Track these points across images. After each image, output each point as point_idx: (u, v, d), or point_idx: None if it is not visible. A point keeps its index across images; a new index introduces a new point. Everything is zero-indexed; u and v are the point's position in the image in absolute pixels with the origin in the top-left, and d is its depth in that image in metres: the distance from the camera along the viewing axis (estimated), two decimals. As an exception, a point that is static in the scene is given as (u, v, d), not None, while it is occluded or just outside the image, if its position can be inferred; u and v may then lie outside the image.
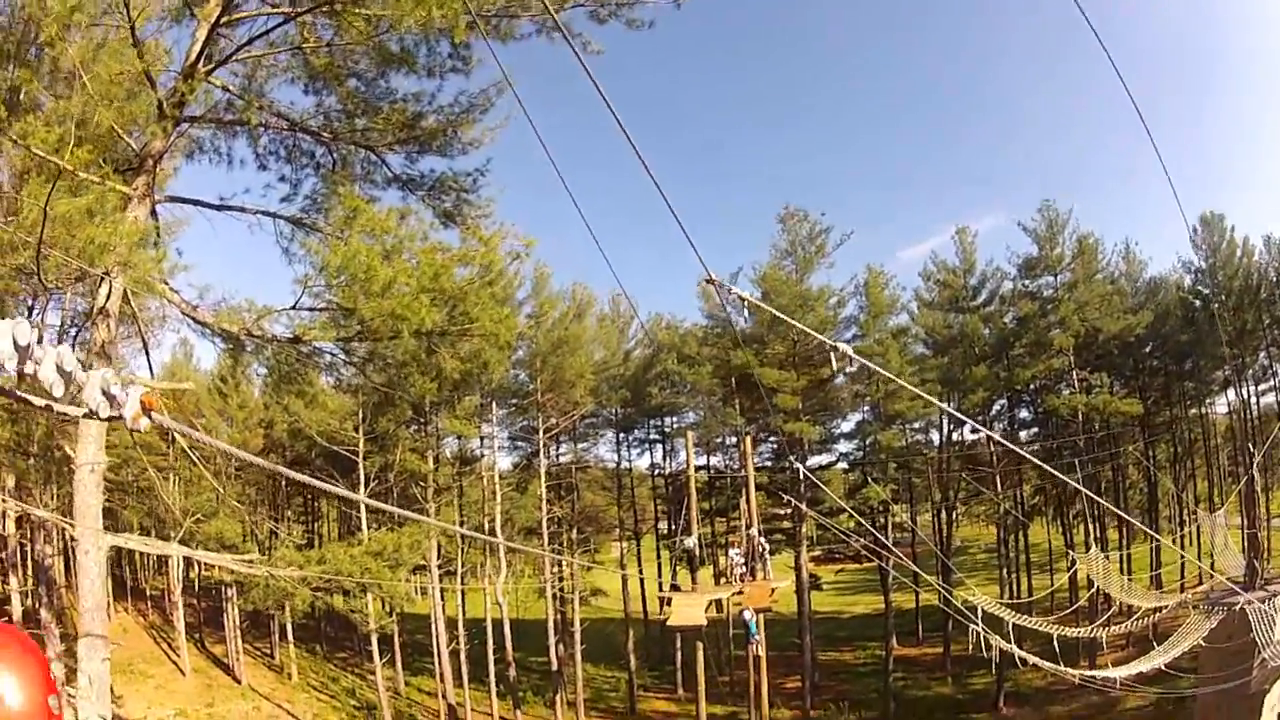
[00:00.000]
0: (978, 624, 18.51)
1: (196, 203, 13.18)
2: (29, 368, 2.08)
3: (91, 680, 9.68)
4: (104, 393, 2.26)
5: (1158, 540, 38.01)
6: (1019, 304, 37.62)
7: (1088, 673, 20.34)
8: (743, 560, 22.62)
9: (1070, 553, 31.28)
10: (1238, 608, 18.76)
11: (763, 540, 22.84)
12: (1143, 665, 19.39)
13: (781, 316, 8.29)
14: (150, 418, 2.42)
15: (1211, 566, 33.79)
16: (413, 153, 13.47)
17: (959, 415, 22.19)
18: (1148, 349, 39.19)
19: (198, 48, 11.11)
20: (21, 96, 10.29)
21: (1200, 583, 29.40)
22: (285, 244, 13.34)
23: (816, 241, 34.63)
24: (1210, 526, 27.82)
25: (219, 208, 12.93)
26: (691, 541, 22.48)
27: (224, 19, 11.36)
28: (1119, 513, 31.16)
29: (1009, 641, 18.61)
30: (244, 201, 13.07)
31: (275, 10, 11.82)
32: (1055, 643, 20.16)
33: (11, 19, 10.85)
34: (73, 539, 10.41)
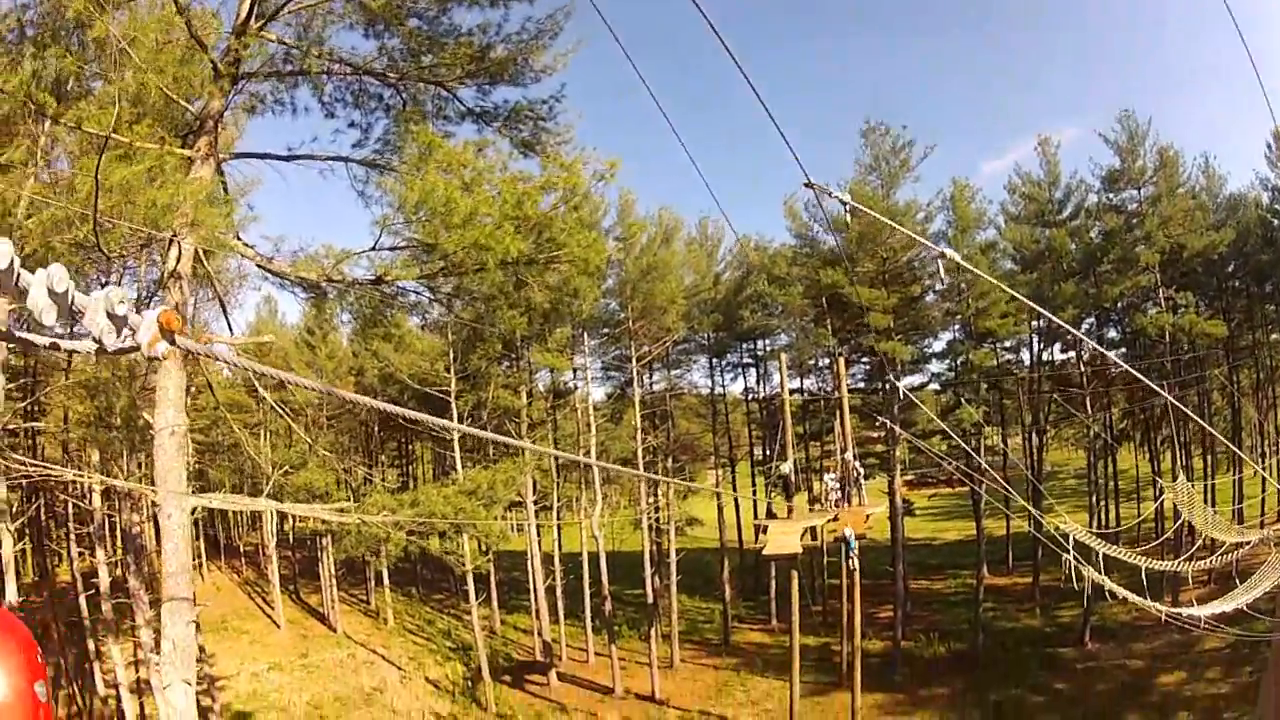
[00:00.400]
0: (1071, 553, 18.26)
1: (265, 156, 13.15)
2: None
3: (176, 645, 9.54)
4: (110, 316, 1.83)
5: (1241, 472, 37.32)
6: (1104, 218, 36.53)
7: (1172, 610, 19.83)
8: (838, 485, 22.52)
9: (1158, 481, 30.62)
10: None
11: (858, 465, 22.70)
12: (1225, 605, 18.74)
13: (885, 221, 8.12)
14: (173, 342, 2.01)
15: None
16: (484, 85, 13.19)
17: (1063, 326, 21.41)
18: (1230, 268, 37.96)
19: (247, 5, 11.03)
20: (70, 84, 10.10)
21: None
22: (360, 187, 13.38)
23: (900, 155, 33.94)
24: None
25: (288, 158, 12.90)
26: (787, 467, 22.38)
27: None
28: (1214, 433, 30.37)
29: (1100, 572, 18.33)
30: (313, 149, 13.04)
31: None
32: (1143, 575, 19.75)
33: (41, 5, 10.65)
34: (156, 505, 10.27)
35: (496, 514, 31.96)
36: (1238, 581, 19.85)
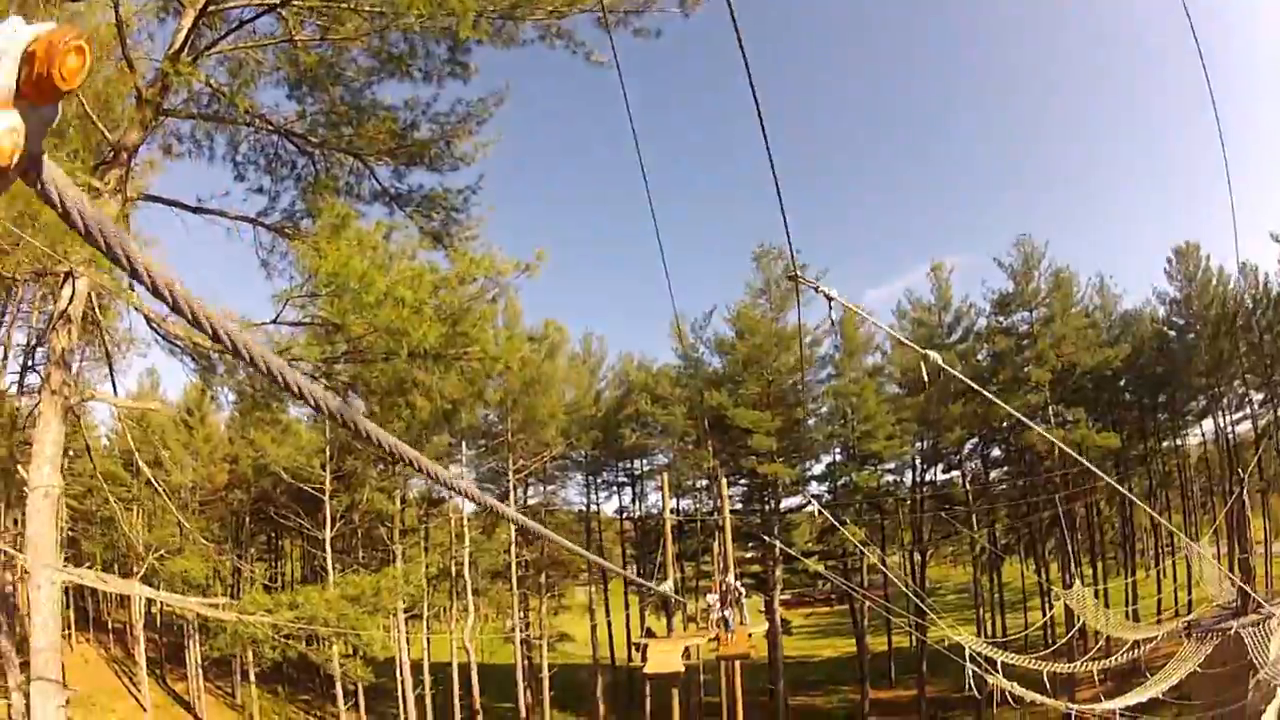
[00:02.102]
0: (968, 663, 18.48)
1: (173, 203, 12.11)
2: None
3: None
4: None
5: (1134, 575, 38.29)
6: (994, 340, 37.56)
7: (1087, 706, 20.41)
8: (719, 605, 22.15)
9: (1051, 589, 30.99)
10: (1231, 632, 18.72)
11: (739, 585, 22.37)
12: (1140, 696, 19.37)
13: (880, 326, 7.80)
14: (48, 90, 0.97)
15: (1189, 595, 34.26)
16: (402, 166, 12.71)
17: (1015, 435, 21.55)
18: (1122, 382, 39.26)
19: (183, 35, 10.29)
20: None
21: (1190, 611, 29.33)
22: (265, 255, 12.61)
23: (791, 280, 34.29)
24: (1195, 555, 27.82)
25: (196, 210, 12.05)
26: (667, 586, 22.01)
27: (211, 6, 10.54)
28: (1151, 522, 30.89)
29: (1003, 680, 18.66)
30: (224, 205, 12.22)
31: (265, 1, 10.95)
32: (1046, 679, 20.11)
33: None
34: (27, 572, 9.38)
35: (379, 623, 30.63)
36: (1148, 675, 20.92)
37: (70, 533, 40.99)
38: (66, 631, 47.07)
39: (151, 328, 11.15)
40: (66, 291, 9.81)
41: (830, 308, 6.26)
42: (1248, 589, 21.53)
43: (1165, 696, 19.16)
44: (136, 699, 39.23)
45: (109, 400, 11.66)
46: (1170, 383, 38.13)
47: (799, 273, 5.90)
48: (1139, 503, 14.37)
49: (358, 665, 32.81)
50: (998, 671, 19.24)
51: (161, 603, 56.41)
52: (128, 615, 49.22)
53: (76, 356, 10.72)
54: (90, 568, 35.29)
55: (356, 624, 20.38)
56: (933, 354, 6.14)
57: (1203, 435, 43.21)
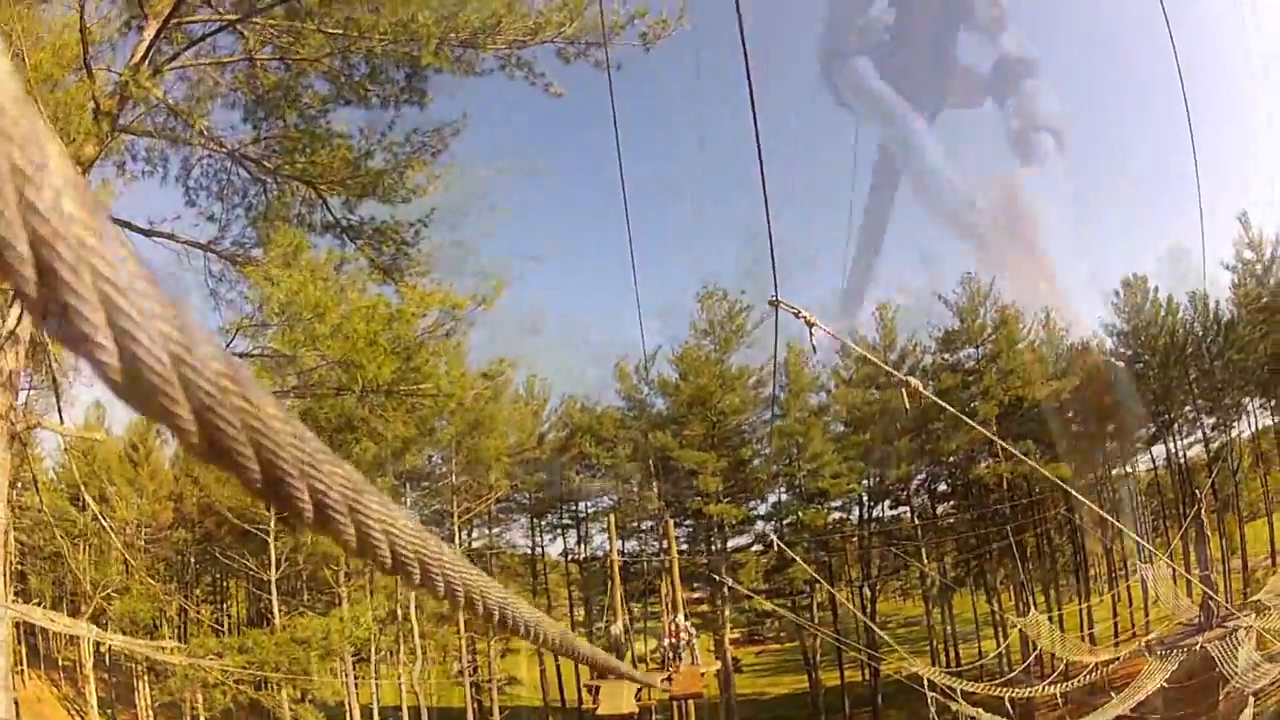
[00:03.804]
0: (930, 692, 18.81)
1: (124, 224, 11.89)
2: None
3: None
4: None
5: (1088, 600, 38.82)
6: (940, 377, 38.00)
7: None
8: (670, 646, 22.22)
9: (1005, 618, 31.22)
10: (1197, 648, 19.42)
11: (689, 626, 22.45)
12: (1108, 714, 19.72)
13: (859, 349, 7.92)
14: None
15: (1145, 617, 34.86)
16: (354, 197, 12.59)
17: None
18: (1071, 414, 39.85)
19: (144, 45, 10.25)
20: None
21: (1148, 631, 29.85)
22: (214, 284, 12.38)
23: (736, 320, 34.72)
24: (1151, 577, 28.51)
25: (148, 233, 11.89)
26: (617, 629, 21.95)
27: (175, 19, 10.49)
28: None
29: (967, 707, 19.01)
30: (175, 229, 12.08)
31: (225, 18, 11.04)
32: (1008, 704, 20.46)
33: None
34: None
35: (329, 666, 30.36)
36: (1113, 695, 21.23)
37: (19, 567, 40.35)
38: (19, 668, 46.17)
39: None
40: (15, 311, 9.49)
41: (810, 334, 6.38)
42: (1214, 600, 22.23)
43: (1130, 713, 19.89)
44: (89, 740, 38.52)
45: (56, 429, 11.40)
46: (1119, 411, 38.68)
47: (779, 299, 6.01)
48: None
49: (308, 711, 32.53)
50: (958, 700, 19.53)
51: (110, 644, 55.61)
52: (77, 654, 48.38)
53: (23, 382, 10.43)
54: (39, 605, 34.76)
55: (307, 667, 19.96)
56: (913, 380, 6.33)
57: (1153, 461, 43.98)
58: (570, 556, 45.39)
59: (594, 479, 38.10)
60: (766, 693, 51.81)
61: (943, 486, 43.64)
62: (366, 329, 10.07)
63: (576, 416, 39.66)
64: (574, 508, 43.42)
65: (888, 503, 42.36)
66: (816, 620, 42.29)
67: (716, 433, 34.43)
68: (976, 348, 38.34)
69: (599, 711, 18.99)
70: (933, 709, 19.87)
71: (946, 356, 39.34)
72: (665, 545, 32.25)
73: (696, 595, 38.99)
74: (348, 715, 34.04)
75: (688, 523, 38.92)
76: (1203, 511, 25.07)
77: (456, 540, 33.76)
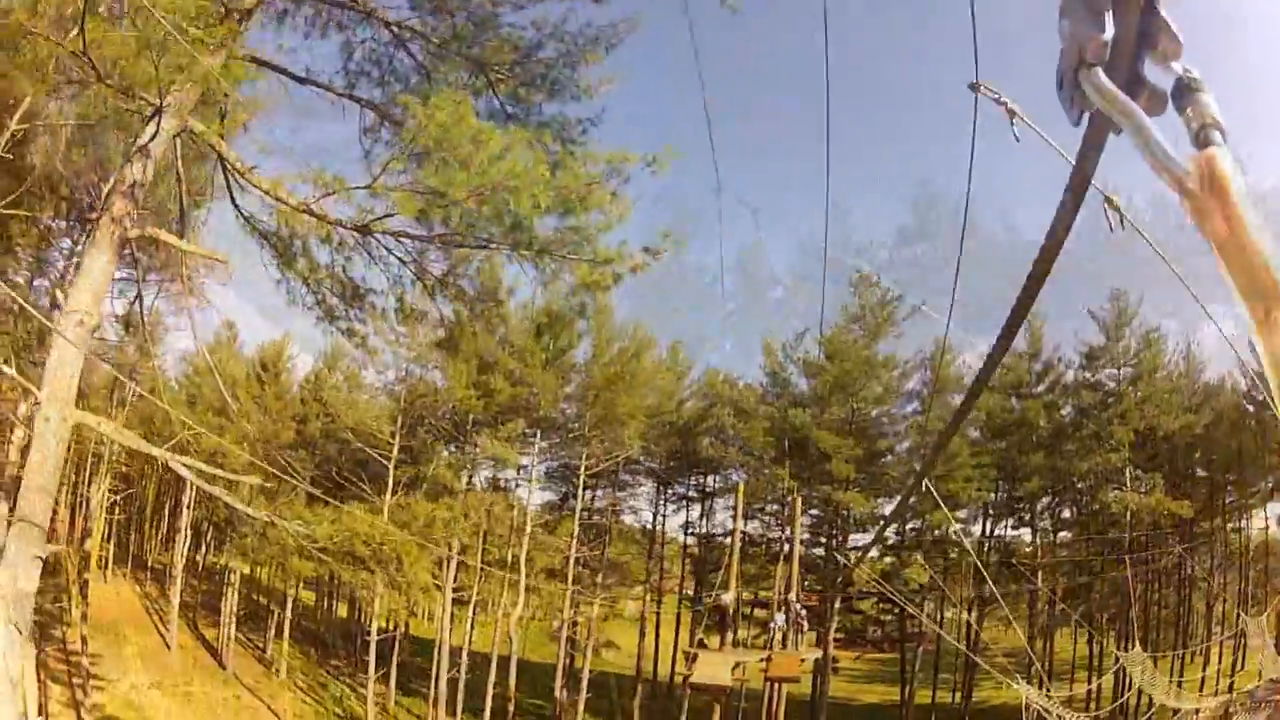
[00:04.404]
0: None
1: (279, 70, 11.21)
2: None
3: (15, 577, 7.85)
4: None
5: (1184, 650, 37.07)
6: (1080, 394, 36.40)
7: None
8: (782, 627, 21.45)
9: (1115, 655, 29.97)
10: None
11: (800, 608, 21.60)
12: None
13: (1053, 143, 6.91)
14: None
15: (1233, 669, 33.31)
16: (520, 87, 11.72)
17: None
18: (1198, 454, 37.88)
19: None
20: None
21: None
22: (369, 144, 11.61)
23: (886, 310, 33.53)
24: (1254, 628, 27.26)
25: (303, 80, 11.27)
26: (729, 597, 21.30)
27: None
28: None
29: None
30: (333, 81, 11.38)
31: None
32: None
33: None
34: (37, 404, 8.39)
35: (426, 563, 29.81)
36: None
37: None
38: (103, 562, 47.64)
39: (235, 173, 10.29)
40: (150, 129, 9.18)
41: (1012, 123, 5.29)
42: None
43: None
44: (162, 636, 39.30)
45: (171, 241, 10.71)
46: (1243, 459, 36.45)
47: (979, 83, 5.03)
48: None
49: (399, 609, 32.01)
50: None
51: (207, 547, 56.91)
52: (170, 556, 49.67)
53: (142, 193, 9.80)
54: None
55: (401, 550, 18.49)
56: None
57: (1266, 518, 41.61)
58: (691, 530, 44.90)
59: (727, 449, 37.28)
60: (856, 699, 50.61)
61: (1067, 514, 41.89)
62: (526, 170, 9.01)
63: (718, 387, 39.05)
64: (701, 481, 42.99)
65: (1011, 521, 40.69)
66: (920, 634, 41.11)
67: (855, 420, 33.34)
68: (1118, 368, 36.46)
69: (692, 679, 18.35)
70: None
71: (1088, 375, 37.51)
72: (788, 531, 31.36)
73: (806, 586, 38.03)
74: (436, 651, 33.91)
75: (812, 511, 37.93)
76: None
77: (580, 496, 33.39)
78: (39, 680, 26.25)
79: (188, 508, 43.45)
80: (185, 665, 36.37)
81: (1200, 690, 33.42)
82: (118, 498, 50.46)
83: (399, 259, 10.92)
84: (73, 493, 49.96)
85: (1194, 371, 39.29)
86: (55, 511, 50.13)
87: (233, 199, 10.90)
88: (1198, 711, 23.79)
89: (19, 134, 14.87)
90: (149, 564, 57.76)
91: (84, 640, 25.80)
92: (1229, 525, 41.77)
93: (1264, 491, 39.36)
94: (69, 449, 9.50)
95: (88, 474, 46.13)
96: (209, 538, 56.22)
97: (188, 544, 44.79)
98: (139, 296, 17.13)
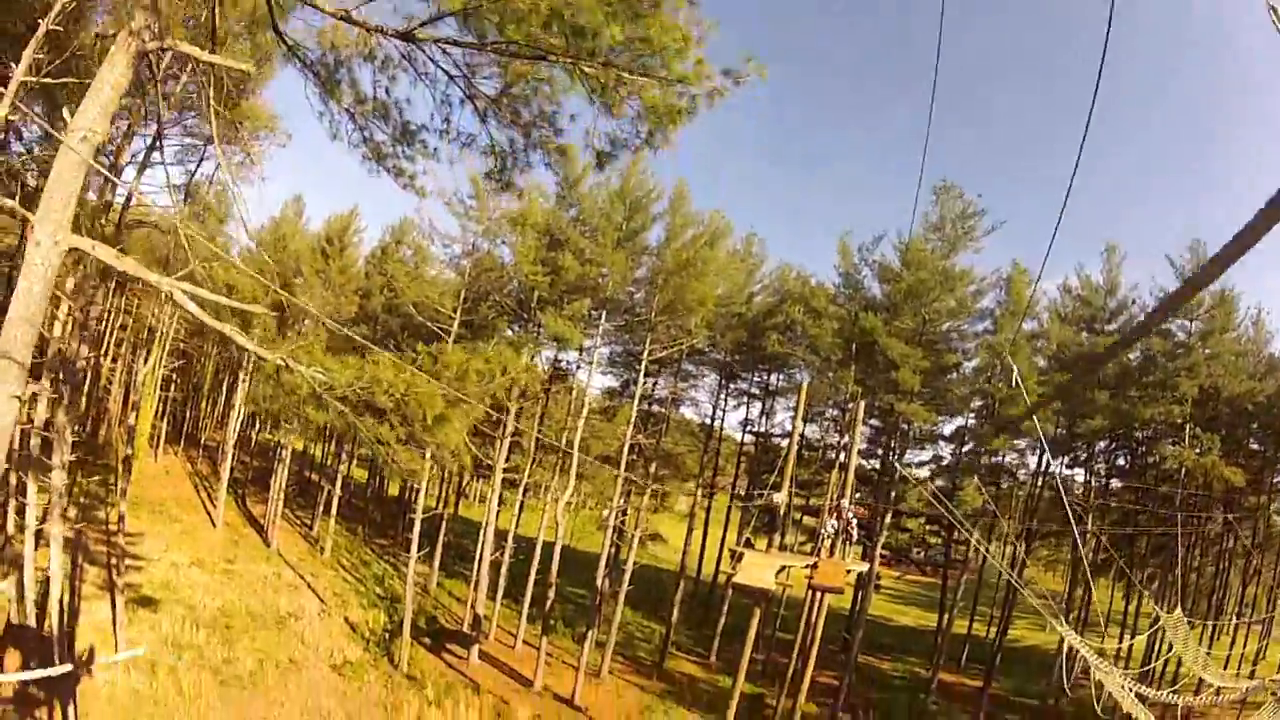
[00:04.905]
0: (1096, 666, 17.39)
1: None
2: None
3: None
4: None
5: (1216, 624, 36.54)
6: (1150, 340, 35.51)
7: None
8: (833, 533, 21.11)
9: (1157, 609, 29.40)
10: None
11: (854, 517, 21.26)
12: None
13: None
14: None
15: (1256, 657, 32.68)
16: None
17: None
18: (1255, 425, 36.99)
19: None
20: None
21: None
22: None
23: (967, 222, 32.61)
24: None
25: None
26: (781, 497, 20.91)
27: None
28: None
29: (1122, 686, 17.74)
30: None
31: None
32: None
33: None
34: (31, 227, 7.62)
35: (460, 423, 29.34)
36: None
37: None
38: (154, 440, 48.66)
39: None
40: None
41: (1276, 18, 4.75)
42: None
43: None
44: (209, 513, 40.04)
45: (192, 52, 10.05)
46: None
47: None
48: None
49: (412, 456, 31.64)
50: (1106, 670, 18.13)
51: (261, 425, 57.77)
52: (223, 435, 50.65)
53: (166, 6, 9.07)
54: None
55: (427, 401, 17.11)
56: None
57: None
58: (749, 428, 44.89)
59: (794, 347, 36.90)
60: (893, 620, 50.92)
61: (1121, 461, 41.18)
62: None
63: (790, 283, 38.65)
64: (764, 379, 42.88)
65: (1066, 460, 40.02)
66: (964, 561, 40.88)
67: (925, 331, 32.70)
68: (1190, 320, 35.54)
69: (735, 578, 18.03)
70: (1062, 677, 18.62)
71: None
72: (846, 438, 31.02)
73: (859, 501, 37.89)
74: (481, 532, 34.21)
75: (872, 422, 37.60)
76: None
77: (640, 382, 33.25)
78: (75, 562, 26.65)
79: (243, 382, 44.06)
80: (228, 543, 36.94)
81: (1224, 668, 33.03)
82: (174, 375, 51.44)
83: (446, 73, 9.99)
84: (128, 371, 51.02)
85: (1262, 339, 38.44)
86: (109, 390, 50.86)
87: (274, 23, 10.21)
88: (1219, 691, 23.19)
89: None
90: (202, 442, 59.04)
91: (121, 519, 25.97)
92: (1274, 506, 41.06)
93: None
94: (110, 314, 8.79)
95: (145, 352, 46.77)
96: (264, 414, 57.55)
97: (240, 419, 45.53)
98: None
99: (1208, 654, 32.76)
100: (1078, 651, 18.43)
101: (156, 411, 49.16)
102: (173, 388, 56.03)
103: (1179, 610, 25.11)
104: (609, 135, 10.11)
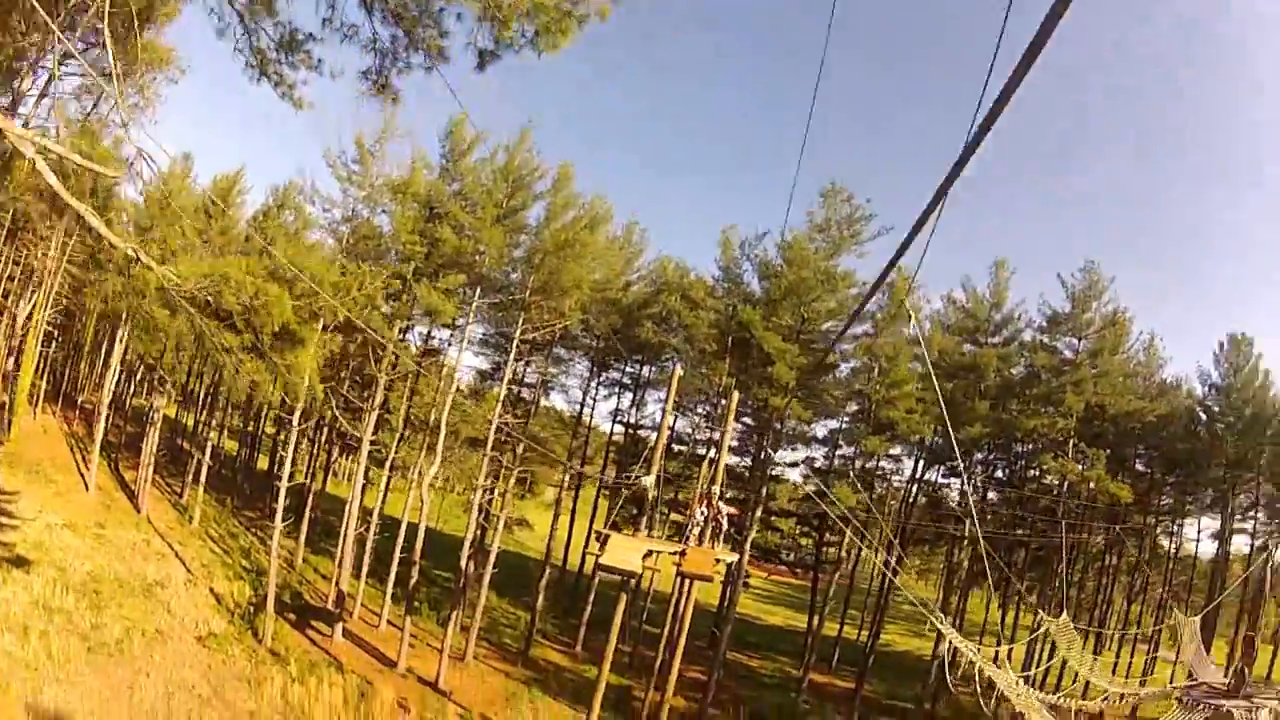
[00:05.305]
0: (979, 662, 17.17)
1: None
2: None
3: None
4: None
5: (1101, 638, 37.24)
6: (1036, 355, 36.08)
7: None
8: (701, 523, 20.60)
9: (1041, 614, 29.77)
10: (1224, 709, 19.42)
11: (724, 507, 20.81)
12: None
13: None
14: None
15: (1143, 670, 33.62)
16: None
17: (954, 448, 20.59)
18: (1143, 447, 37.88)
19: None
20: None
21: (1142, 686, 28.88)
22: None
23: (854, 226, 32.61)
24: (1188, 631, 27.30)
25: None
26: (650, 480, 20.31)
27: None
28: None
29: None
30: None
31: None
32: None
33: None
34: None
35: (312, 350, 27.71)
36: None
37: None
38: (33, 398, 46.55)
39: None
40: None
41: None
42: (1245, 671, 21.53)
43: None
44: (82, 475, 38.52)
45: None
46: (1188, 463, 36.90)
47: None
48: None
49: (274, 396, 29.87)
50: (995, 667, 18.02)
51: (134, 388, 55.48)
52: (99, 398, 48.64)
53: None
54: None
55: (276, 307, 15.70)
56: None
57: (1197, 528, 42.23)
58: (619, 418, 44.30)
59: (669, 335, 36.43)
60: (761, 619, 50.99)
61: (999, 474, 41.76)
62: None
63: (669, 273, 38.21)
64: (637, 371, 42.48)
65: (941, 470, 40.52)
66: (837, 565, 41.12)
67: (805, 329, 32.56)
68: (1078, 338, 36.21)
69: (602, 560, 17.44)
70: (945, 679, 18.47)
71: (1045, 339, 37.19)
72: (717, 434, 30.67)
73: (728, 497, 37.67)
74: (346, 508, 33.22)
75: (745, 419, 37.40)
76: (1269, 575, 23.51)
77: (510, 363, 32.42)
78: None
79: (120, 341, 42.29)
80: (99, 508, 35.70)
81: (1125, 676, 33.71)
82: (55, 331, 49.32)
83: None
84: (11, 323, 48.58)
85: (1154, 364, 39.30)
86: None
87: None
88: (1122, 696, 23.63)
89: None
90: (79, 403, 56.79)
91: None
92: (1159, 526, 42.18)
93: (1201, 504, 39.81)
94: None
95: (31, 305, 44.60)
96: (139, 378, 55.35)
97: (116, 378, 43.75)
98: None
99: (1095, 660, 33.58)
100: (959, 655, 18.29)
101: (36, 368, 46.96)
102: (53, 345, 53.63)
103: (1065, 615, 25.44)
104: (494, 35, 9.85)
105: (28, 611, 23.03)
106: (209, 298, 13.42)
